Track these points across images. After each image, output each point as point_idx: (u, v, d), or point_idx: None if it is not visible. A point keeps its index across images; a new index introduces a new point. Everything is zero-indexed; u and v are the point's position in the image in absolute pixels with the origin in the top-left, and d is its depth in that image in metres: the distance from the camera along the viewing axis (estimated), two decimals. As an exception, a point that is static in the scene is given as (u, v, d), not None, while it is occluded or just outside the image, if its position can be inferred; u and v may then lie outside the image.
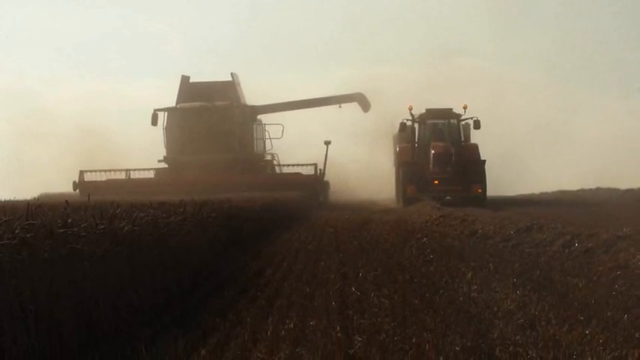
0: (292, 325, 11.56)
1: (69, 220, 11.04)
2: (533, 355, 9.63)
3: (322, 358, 9.66)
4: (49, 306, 9.79)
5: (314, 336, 10.84)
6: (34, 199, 40.56)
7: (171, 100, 53.30)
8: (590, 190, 66.26)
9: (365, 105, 58.10)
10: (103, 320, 11.18)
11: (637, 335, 10.27)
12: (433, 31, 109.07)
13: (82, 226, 11.26)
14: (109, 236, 12.02)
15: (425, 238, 24.68)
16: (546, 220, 26.44)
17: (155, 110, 51.99)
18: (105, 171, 50.24)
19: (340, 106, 57.38)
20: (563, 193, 64.64)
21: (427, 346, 10.03)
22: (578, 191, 66.00)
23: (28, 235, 9.71)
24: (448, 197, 46.41)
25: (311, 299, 13.89)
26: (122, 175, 50.55)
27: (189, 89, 53.62)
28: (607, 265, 16.36)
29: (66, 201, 12.89)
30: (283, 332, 11.15)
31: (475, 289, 14.26)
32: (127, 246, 12.63)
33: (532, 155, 68.11)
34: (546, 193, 65.45)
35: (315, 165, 51.62)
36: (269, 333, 11.16)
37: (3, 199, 29.29)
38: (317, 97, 58.37)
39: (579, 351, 9.69)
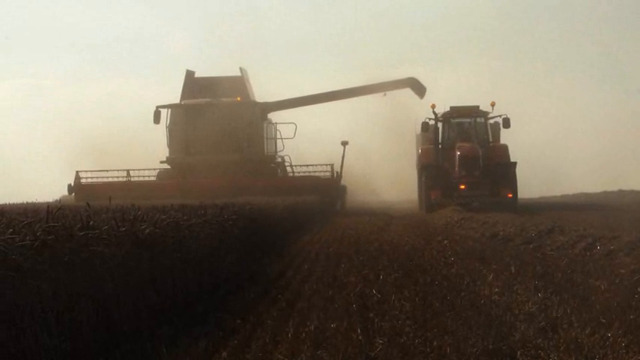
0: (313, 328, 11.56)
1: (90, 223, 11.08)
2: (555, 358, 9.60)
3: (343, 361, 9.67)
4: (70, 307, 9.83)
5: (335, 338, 10.84)
6: (56, 201, 40.68)
7: (175, 97, 49.88)
8: (613, 192, 66.14)
9: (420, 90, 52.25)
10: (123, 320, 11.22)
11: (659, 338, 10.23)
12: (456, 30, 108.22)
13: (104, 228, 11.29)
14: (130, 238, 12.05)
15: (446, 241, 24.65)
16: (568, 222, 26.37)
17: (157, 107, 48.35)
18: (103, 171, 47.22)
19: (385, 94, 52.76)
20: (585, 196, 64.54)
21: (448, 349, 10.01)
22: (600, 193, 65.89)
23: (49, 238, 9.75)
24: (476, 203, 42.87)
25: (332, 301, 13.89)
26: (121, 177, 47.15)
27: (194, 85, 49.86)
28: (629, 268, 16.29)
29: (87, 203, 12.94)
30: (304, 334, 11.15)
31: (496, 292, 14.23)
32: (148, 248, 12.65)
33: (554, 157, 67.66)
34: (568, 196, 65.35)
35: (332, 166, 48.33)
36: (290, 335, 11.16)
37: (25, 201, 29.46)
38: (356, 85, 52.92)
39: (601, 354, 9.66)
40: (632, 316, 11.69)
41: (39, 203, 26.50)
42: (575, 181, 67.16)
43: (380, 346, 10.31)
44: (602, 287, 14.45)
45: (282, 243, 25.84)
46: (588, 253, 19.23)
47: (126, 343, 10.81)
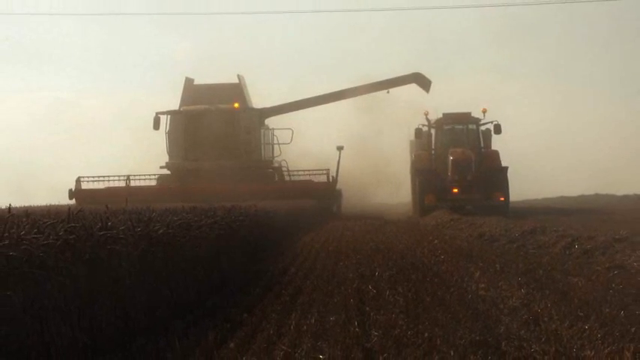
0: (313, 321, 11.55)
1: (108, 224, 11.08)
2: (537, 348, 9.60)
3: (341, 351, 9.66)
4: (90, 302, 9.84)
5: (334, 330, 10.84)
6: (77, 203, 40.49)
7: (174, 103, 47.31)
8: (590, 195, 66.17)
9: (425, 84, 48.87)
10: (139, 315, 11.22)
11: (633, 330, 10.24)
12: (449, 40, 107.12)
13: (121, 228, 11.30)
14: (145, 238, 12.05)
15: (436, 240, 24.64)
16: (549, 223, 26.36)
17: (157, 113, 45.93)
18: (103, 177, 44.36)
19: (388, 92, 49.17)
20: (564, 199, 64.51)
21: (438, 341, 10.01)
22: (578, 197, 65.89)
23: (71, 237, 9.75)
24: (469, 207, 41.33)
25: (331, 296, 13.89)
26: (121, 182, 44.43)
27: (193, 91, 47.31)
28: (605, 266, 16.31)
29: (106, 205, 12.94)
30: (305, 327, 11.15)
31: (483, 288, 14.23)
32: (161, 247, 12.65)
33: (536, 162, 67.27)
34: (549, 199, 65.25)
35: (328, 171, 45.88)
36: (292, 327, 11.16)
37: (48, 204, 29.43)
38: (355, 85, 49.31)
39: (579, 345, 9.66)
40: (607, 310, 11.70)
41: (61, 205, 26.48)
42: (555, 185, 67.01)
43: (375, 338, 10.31)
44: (580, 283, 14.46)
45: (284, 243, 25.82)
46: (567, 252, 19.24)
47: (141, 336, 10.81)
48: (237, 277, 17.01)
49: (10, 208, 10.42)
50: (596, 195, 66.17)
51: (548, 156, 70.67)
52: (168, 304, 12.48)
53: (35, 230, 9.44)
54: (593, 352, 9.25)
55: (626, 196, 63.05)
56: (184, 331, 11.17)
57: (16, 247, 8.69)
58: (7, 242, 8.65)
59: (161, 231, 12.84)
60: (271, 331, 10.99)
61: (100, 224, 10.84)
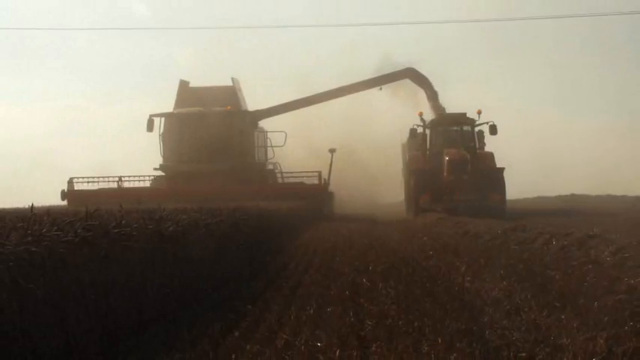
0: (312, 311, 11.58)
1: (122, 222, 11.10)
2: (518, 337, 9.63)
3: (338, 340, 9.68)
4: (106, 294, 9.86)
5: (331, 320, 10.87)
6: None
7: (168, 106, 45.14)
8: (566, 196, 66.16)
9: (420, 80, 46.51)
10: (151, 306, 11.24)
11: (605, 320, 10.25)
12: (444, 41, 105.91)
13: (134, 226, 11.32)
14: (156, 235, 12.07)
15: (425, 238, 24.66)
16: (529, 221, 26.36)
17: (151, 116, 43.65)
18: (95, 179, 41.76)
19: (381, 89, 46.79)
20: (543, 199, 64.50)
21: (427, 330, 10.04)
22: (556, 197, 65.88)
23: (88, 234, 9.78)
24: (461, 208, 37.17)
25: (328, 289, 13.90)
26: (114, 184, 41.83)
27: (187, 94, 44.91)
28: (580, 260, 16.25)
29: (120, 205, 12.96)
30: (304, 317, 11.17)
31: (468, 280, 14.26)
32: (171, 243, 12.67)
33: (516, 164, 67.00)
34: (528, 199, 65.23)
35: (319, 173, 43.23)
36: (292, 318, 11.18)
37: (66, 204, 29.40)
38: (346, 84, 46.79)
39: (556, 333, 9.69)
40: (582, 301, 11.71)
41: (55, 206, 26.41)
42: (534, 186, 66.91)
43: (369, 327, 10.34)
44: (557, 276, 14.46)
45: (284, 240, 25.81)
46: (546, 248, 19.18)
47: (153, 326, 10.84)
48: (241, 271, 17.02)
49: (32, 207, 10.44)
50: (572, 195, 66.12)
51: (528, 158, 70.60)
52: (177, 296, 12.49)
53: (55, 228, 9.46)
54: (569, 340, 9.28)
55: (599, 197, 63.06)
56: (192, 321, 11.19)
57: (38, 244, 8.72)
58: (29, 239, 8.68)
59: (171, 229, 12.86)
60: (273, 321, 11.01)
61: (114, 222, 10.87)
